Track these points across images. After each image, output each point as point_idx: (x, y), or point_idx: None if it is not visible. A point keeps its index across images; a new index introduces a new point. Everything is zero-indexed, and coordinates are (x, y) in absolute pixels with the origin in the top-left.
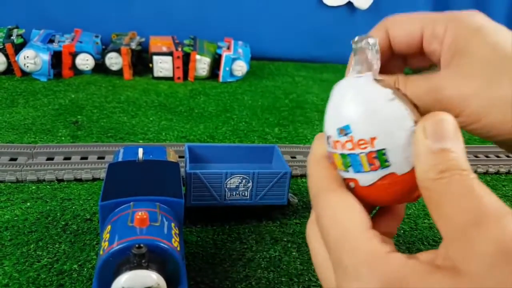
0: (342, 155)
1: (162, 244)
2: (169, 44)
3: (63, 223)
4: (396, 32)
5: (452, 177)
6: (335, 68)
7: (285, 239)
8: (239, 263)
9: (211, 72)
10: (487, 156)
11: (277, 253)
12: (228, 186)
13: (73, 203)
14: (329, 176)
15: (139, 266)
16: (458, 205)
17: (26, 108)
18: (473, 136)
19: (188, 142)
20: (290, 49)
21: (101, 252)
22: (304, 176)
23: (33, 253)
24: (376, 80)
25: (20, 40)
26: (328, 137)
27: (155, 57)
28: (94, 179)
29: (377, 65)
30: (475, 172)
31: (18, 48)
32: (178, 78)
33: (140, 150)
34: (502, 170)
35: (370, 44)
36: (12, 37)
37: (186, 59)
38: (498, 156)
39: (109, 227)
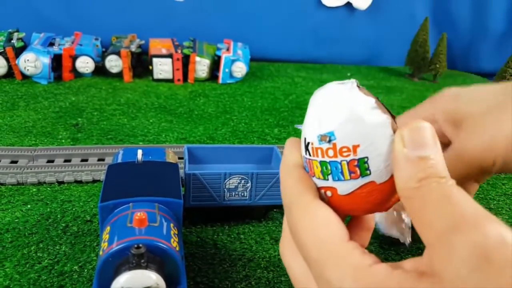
0: (322, 163)
1: (161, 244)
2: (169, 46)
3: (63, 224)
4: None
5: (431, 185)
6: (335, 68)
7: None
8: (239, 263)
9: (211, 74)
10: None
11: (276, 253)
12: (227, 187)
13: (73, 205)
14: (303, 187)
15: (138, 266)
16: (437, 212)
17: (27, 111)
18: None
19: (188, 144)
20: (289, 50)
21: (100, 253)
22: None
23: (33, 254)
24: (359, 88)
25: (21, 44)
26: (307, 144)
27: (155, 59)
28: (94, 181)
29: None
30: None
31: (19, 52)
32: (178, 80)
33: (139, 152)
34: None
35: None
36: (12, 41)
37: (186, 61)
38: None
39: (108, 227)
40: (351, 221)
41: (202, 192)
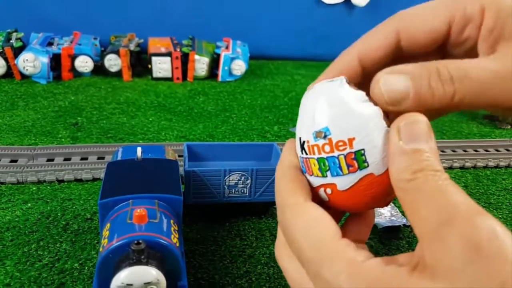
0: (320, 160)
1: (161, 240)
2: (168, 45)
3: (63, 223)
4: (413, 30)
5: (426, 177)
6: None
7: None
8: (239, 259)
9: (210, 72)
10: (486, 150)
11: None
12: (227, 183)
13: (73, 203)
14: (296, 188)
15: (138, 262)
16: (431, 205)
17: (26, 111)
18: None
19: (188, 142)
20: (289, 48)
21: (101, 249)
22: None
23: (34, 252)
24: (348, 84)
25: (19, 44)
26: (303, 143)
27: (154, 58)
28: (94, 179)
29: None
30: (475, 166)
31: (18, 52)
32: (177, 78)
33: (139, 149)
34: (502, 164)
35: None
36: (11, 41)
37: (185, 59)
38: (497, 150)
39: (108, 224)
40: (350, 216)
41: (202, 189)
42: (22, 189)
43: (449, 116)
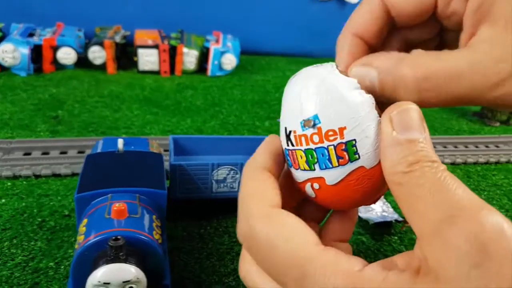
0: (307, 151)
1: (141, 237)
2: (155, 37)
3: (39, 219)
4: (399, 1)
5: (423, 169)
6: (325, 62)
7: None
8: (227, 257)
9: (199, 66)
10: (476, 147)
11: None
12: (215, 178)
13: (51, 199)
14: (265, 193)
15: (116, 259)
16: (431, 200)
17: (4, 104)
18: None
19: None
20: (281, 44)
21: (76, 246)
22: None
23: (6, 251)
24: (338, 69)
25: None
26: (289, 133)
27: (140, 50)
28: (73, 174)
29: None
30: (465, 162)
31: None
32: (165, 72)
33: (120, 141)
34: (492, 160)
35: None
36: None
37: (173, 52)
38: (487, 146)
39: (85, 220)
40: (332, 214)
41: (189, 184)
42: None
43: (440, 113)
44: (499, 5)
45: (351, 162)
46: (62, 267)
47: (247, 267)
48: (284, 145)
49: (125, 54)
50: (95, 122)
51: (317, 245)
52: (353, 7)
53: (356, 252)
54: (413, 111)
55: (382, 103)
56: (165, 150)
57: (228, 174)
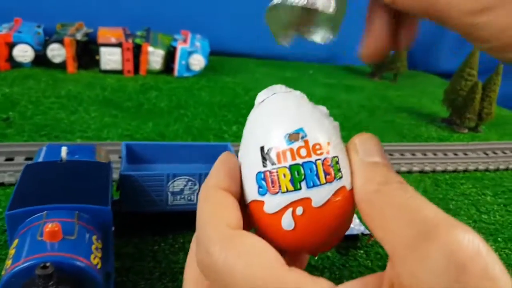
0: (293, 167)
1: (76, 262)
2: (119, 35)
3: None
4: None
5: (392, 188)
6: (297, 65)
7: None
8: (180, 277)
9: (166, 66)
10: (445, 154)
11: None
12: (171, 190)
13: None
14: (224, 213)
15: None
16: (404, 218)
17: None
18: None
19: (133, 141)
20: (251, 45)
21: (3, 273)
22: None
23: None
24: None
25: None
26: (267, 152)
27: (102, 49)
28: None
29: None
30: (434, 171)
31: None
32: (128, 71)
33: (64, 149)
34: (460, 168)
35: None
36: None
37: (137, 51)
38: (455, 154)
39: (16, 241)
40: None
41: (141, 196)
42: None
43: (408, 119)
44: None
45: (336, 180)
46: None
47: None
48: (259, 168)
49: (87, 53)
50: (48, 125)
51: (282, 265)
52: None
53: (320, 268)
54: (373, 139)
55: None
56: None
57: (185, 186)
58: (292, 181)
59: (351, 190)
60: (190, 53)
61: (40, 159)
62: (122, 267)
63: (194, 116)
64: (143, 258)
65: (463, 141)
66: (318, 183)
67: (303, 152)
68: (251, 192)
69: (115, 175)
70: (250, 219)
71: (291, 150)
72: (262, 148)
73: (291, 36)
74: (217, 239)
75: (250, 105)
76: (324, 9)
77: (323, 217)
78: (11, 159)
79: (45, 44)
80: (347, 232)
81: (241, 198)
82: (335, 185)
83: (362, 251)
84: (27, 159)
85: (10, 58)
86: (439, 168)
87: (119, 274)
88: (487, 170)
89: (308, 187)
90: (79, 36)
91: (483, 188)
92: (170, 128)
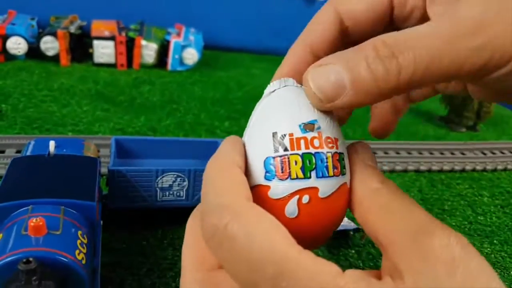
0: (306, 156)
1: (61, 257)
2: (112, 28)
3: None
4: (352, 9)
5: (391, 187)
6: None
7: None
8: (169, 274)
9: (159, 60)
10: (441, 153)
11: None
12: (160, 186)
13: None
14: (240, 187)
15: (28, 285)
16: (403, 214)
17: None
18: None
19: (125, 136)
20: (246, 40)
21: None
22: None
23: None
24: None
25: None
26: (280, 137)
27: (95, 42)
28: None
29: None
30: (429, 170)
31: None
32: (121, 65)
33: (52, 143)
34: (457, 167)
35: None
36: None
37: (131, 44)
38: (452, 153)
39: (0, 235)
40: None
41: (130, 192)
42: None
43: (405, 118)
44: None
45: (342, 175)
46: None
47: (202, 270)
48: (270, 153)
49: (81, 46)
50: (40, 118)
51: (294, 245)
52: (320, 5)
53: None
54: (369, 149)
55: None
56: None
57: (174, 181)
58: (303, 169)
59: (349, 188)
60: (183, 47)
61: (28, 153)
62: (110, 262)
63: (186, 111)
64: (131, 253)
65: (461, 140)
66: (327, 174)
67: (316, 142)
68: (256, 177)
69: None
70: None
71: (305, 138)
72: (274, 134)
73: None
74: (236, 208)
75: (243, 101)
76: None
77: (326, 208)
78: (2, 152)
79: (39, 37)
80: (342, 228)
81: None
82: (340, 180)
83: (353, 251)
84: (18, 151)
85: (4, 51)
86: (435, 167)
87: (107, 269)
88: (484, 170)
89: (318, 177)
90: (72, 29)
91: (480, 188)
92: (162, 123)
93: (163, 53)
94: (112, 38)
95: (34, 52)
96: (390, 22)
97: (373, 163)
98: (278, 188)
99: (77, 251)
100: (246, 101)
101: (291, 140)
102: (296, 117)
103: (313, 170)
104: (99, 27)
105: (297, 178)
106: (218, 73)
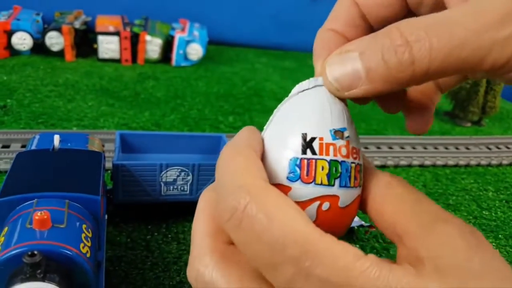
0: (333, 163)
1: (65, 251)
2: (117, 24)
3: None
4: None
5: (404, 181)
6: (297, 56)
7: None
8: (173, 268)
9: (164, 55)
10: (446, 148)
11: None
12: (164, 180)
13: None
14: (259, 170)
15: (32, 278)
16: (420, 206)
17: None
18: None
19: (129, 130)
20: (250, 35)
21: None
22: None
23: None
24: None
25: None
26: (310, 140)
27: (100, 37)
28: None
29: None
30: (434, 165)
31: None
32: (126, 60)
33: (56, 138)
34: (461, 162)
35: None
36: None
37: (135, 40)
38: (457, 148)
39: (6, 228)
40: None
41: (134, 186)
42: None
43: None
44: None
45: (359, 186)
46: None
47: (216, 258)
48: (293, 154)
49: (86, 41)
50: (45, 113)
51: (316, 227)
52: (324, 2)
53: None
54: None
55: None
56: None
57: (178, 176)
58: (329, 176)
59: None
60: (188, 42)
61: (33, 148)
62: (115, 256)
63: (190, 106)
64: (135, 248)
65: (466, 135)
66: (349, 185)
67: (343, 151)
68: (277, 175)
69: (110, 164)
70: None
71: (334, 145)
72: (304, 136)
73: None
74: (257, 188)
75: (247, 96)
76: None
77: (341, 218)
78: (8, 146)
79: (44, 32)
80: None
81: None
82: (357, 191)
83: (358, 246)
84: (23, 146)
85: (9, 46)
86: (440, 162)
87: (111, 263)
88: (489, 165)
89: (340, 186)
90: (77, 24)
91: (485, 183)
92: (167, 118)
93: (168, 48)
94: (116, 33)
95: (39, 47)
96: (408, 9)
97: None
98: (300, 191)
99: (81, 245)
100: (249, 96)
101: (321, 145)
102: (327, 121)
103: (337, 178)
104: (104, 22)
105: (321, 184)
106: (222, 68)
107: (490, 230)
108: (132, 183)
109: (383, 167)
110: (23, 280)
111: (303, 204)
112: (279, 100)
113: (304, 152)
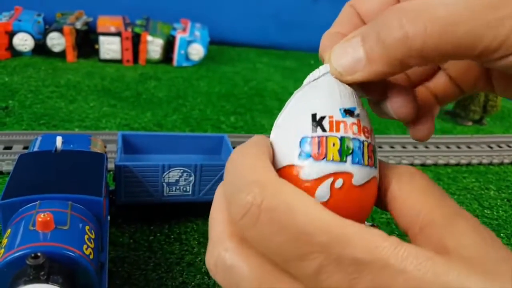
0: (344, 139)
1: (68, 252)
2: (118, 24)
3: None
4: (367, 3)
5: (424, 175)
6: (298, 55)
7: None
8: (176, 268)
9: (165, 56)
10: (448, 147)
11: None
12: (166, 181)
13: None
14: (272, 169)
15: (36, 280)
16: (443, 197)
17: None
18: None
19: (131, 131)
20: (251, 34)
21: None
22: None
23: None
24: None
25: None
26: (320, 118)
27: (101, 38)
28: None
29: None
30: (436, 164)
31: None
32: (127, 61)
33: (59, 139)
34: (463, 161)
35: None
36: None
37: (137, 40)
38: (458, 147)
39: (9, 230)
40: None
41: (137, 187)
42: None
43: None
44: None
45: (375, 167)
46: None
47: (237, 247)
48: (303, 133)
49: (87, 42)
50: (47, 114)
51: (338, 216)
52: (325, 2)
53: None
54: None
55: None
56: None
57: (180, 177)
58: (340, 151)
59: (377, 181)
60: (189, 43)
61: (35, 149)
62: (117, 257)
63: (192, 106)
64: (138, 248)
65: (467, 134)
66: (362, 162)
67: (355, 128)
68: (288, 157)
69: (112, 165)
70: None
71: (345, 122)
72: (314, 115)
73: None
74: (274, 185)
75: (249, 96)
76: None
77: (357, 197)
78: (10, 148)
79: (45, 33)
80: None
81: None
82: (373, 172)
83: None
84: (25, 148)
85: (10, 47)
86: (441, 161)
87: (114, 264)
88: (491, 164)
89: (353, 162)
90: (78, 25)
91: (486, 182)
92: (168, 118)
93: (169, 48)
94: (118, 34)
95: (40, 48)
96: None
97: None
98: (312, 169)
99: (84, 246)
100: (251, 96)
101: (331, 122)
102: (337, 102)
103: (349, 155)
104: (105, 23)
105: (333, 160)
106: (223, 68)
107: (492, 229)
108: (135, 184)
109: None
110: (26, 282)
111: (315, 182)
112: (280, 100)
113: (314, 130)
